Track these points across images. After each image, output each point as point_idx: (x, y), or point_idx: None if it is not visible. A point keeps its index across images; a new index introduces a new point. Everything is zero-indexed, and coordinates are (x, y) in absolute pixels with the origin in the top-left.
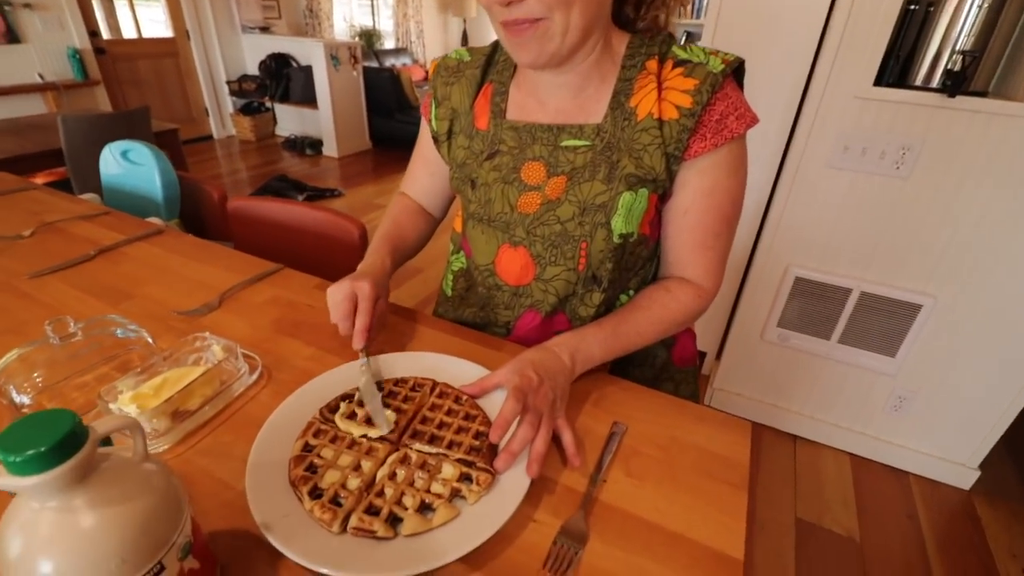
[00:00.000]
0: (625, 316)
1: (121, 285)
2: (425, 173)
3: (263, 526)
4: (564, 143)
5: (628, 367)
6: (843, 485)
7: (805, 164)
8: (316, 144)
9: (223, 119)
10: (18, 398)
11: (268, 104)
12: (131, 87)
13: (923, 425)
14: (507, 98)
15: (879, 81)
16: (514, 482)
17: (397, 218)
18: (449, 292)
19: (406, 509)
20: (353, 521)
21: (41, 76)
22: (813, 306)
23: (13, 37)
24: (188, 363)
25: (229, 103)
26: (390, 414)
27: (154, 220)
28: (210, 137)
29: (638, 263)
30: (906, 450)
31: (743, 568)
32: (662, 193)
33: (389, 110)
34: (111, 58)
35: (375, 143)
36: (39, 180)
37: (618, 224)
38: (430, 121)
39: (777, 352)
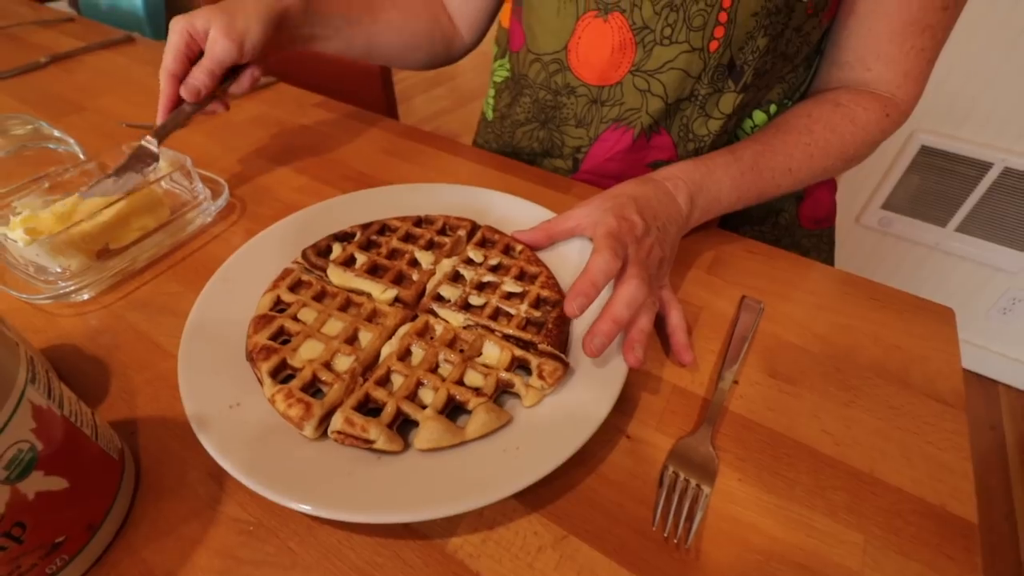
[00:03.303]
0: (770, 142)
1: (72, 97)
2: None
3: (195, 420)
4: None
5: (738, 223)
6: None
7: None
8: None
9: None
10: None
11: None
12: None
13: None
14: None
15: None
16: (597, 376)
17: None
18: (491, 114)
19: (424, 408)
20: (337, 422)
21: None
22: (936, 183)
23: None
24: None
25: None
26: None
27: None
28: None
29: (800, 53)
30: (1004, 359)
31: (979, 536)
32: None
33: None
34: None
35: None
36: None
37: None
38: None
39: (872, 240)
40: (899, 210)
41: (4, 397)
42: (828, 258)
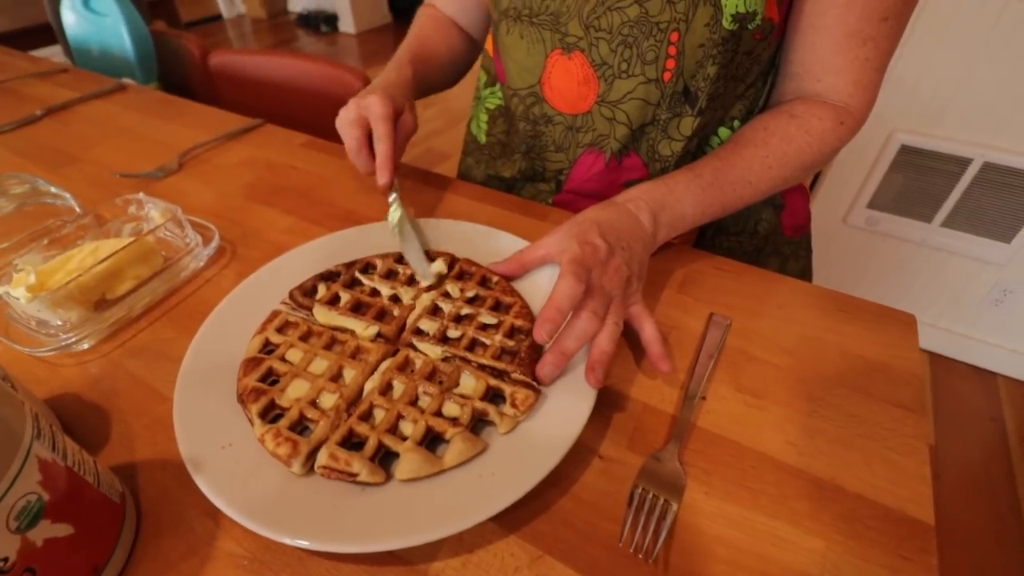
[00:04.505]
0: (729, 157)
1: (68, 148)
2: None
3: (190, 462)
4: None
5: (718, 235)
6: None
7: None
8: (331, 19)
9: None
10: None
11: None
12: None
13: None
14: None
15: None
16: (569, 400)
17: (422, 31)
18: (483, 137)
19: (404, 440)
20: (322, 458)
21: None
22: (917, 181)
23: None
24: (124, 235)
25: None
26: (438, 264)
27: (127, 81)
28: (219, 17)
29: (752, 72)
30: (1000, 349)
31: (935, 538)
32: None
33: None
34: None
35: (395, 15)
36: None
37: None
38: None
39: (860, 239)
40: (885, 209)
41: (13, 454)
42: (807, 263)
